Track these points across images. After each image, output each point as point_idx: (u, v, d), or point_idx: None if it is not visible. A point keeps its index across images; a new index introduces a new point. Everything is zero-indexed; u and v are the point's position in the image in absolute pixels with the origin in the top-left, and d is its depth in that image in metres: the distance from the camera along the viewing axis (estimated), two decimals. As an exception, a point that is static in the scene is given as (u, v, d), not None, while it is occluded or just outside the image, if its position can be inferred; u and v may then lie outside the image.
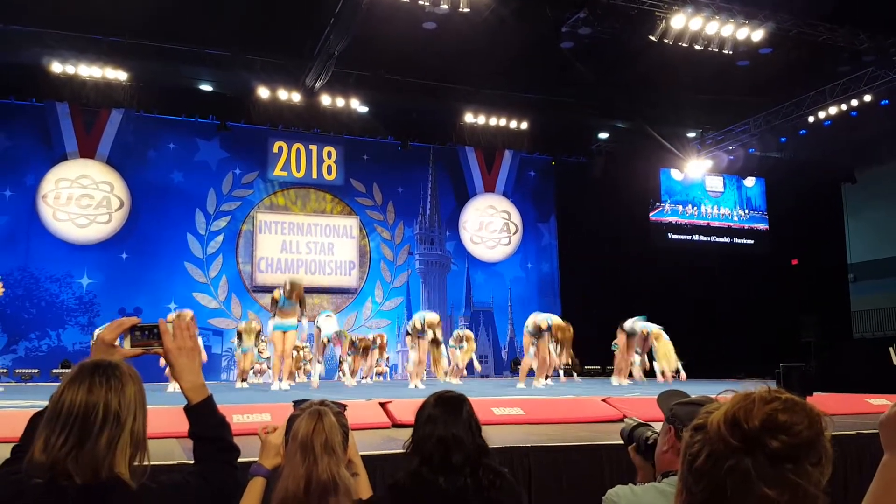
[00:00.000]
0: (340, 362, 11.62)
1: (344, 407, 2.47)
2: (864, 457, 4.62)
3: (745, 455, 1.08)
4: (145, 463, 1.73)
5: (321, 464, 2.22)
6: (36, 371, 13.35)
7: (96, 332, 10.54)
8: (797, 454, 1.08)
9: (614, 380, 11.44)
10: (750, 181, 19.56)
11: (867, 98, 14.35)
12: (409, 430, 2.62)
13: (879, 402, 6.89)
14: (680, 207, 18.82)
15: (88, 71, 13.65)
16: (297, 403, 2.49)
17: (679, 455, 2.13)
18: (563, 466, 4.28)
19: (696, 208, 19.02)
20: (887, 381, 9.09)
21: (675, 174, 18.70)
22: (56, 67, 13.47)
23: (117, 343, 1.96)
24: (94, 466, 1.63)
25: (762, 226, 19.53)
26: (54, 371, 13.05)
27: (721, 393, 1.35)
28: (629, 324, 11.69)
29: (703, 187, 19.11)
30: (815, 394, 6.76)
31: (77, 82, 13.81)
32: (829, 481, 1.13)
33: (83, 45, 13.15)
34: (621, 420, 6.06)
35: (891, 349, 13.98)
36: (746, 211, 19.53)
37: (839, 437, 1.21)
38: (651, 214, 18.42)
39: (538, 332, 10.41)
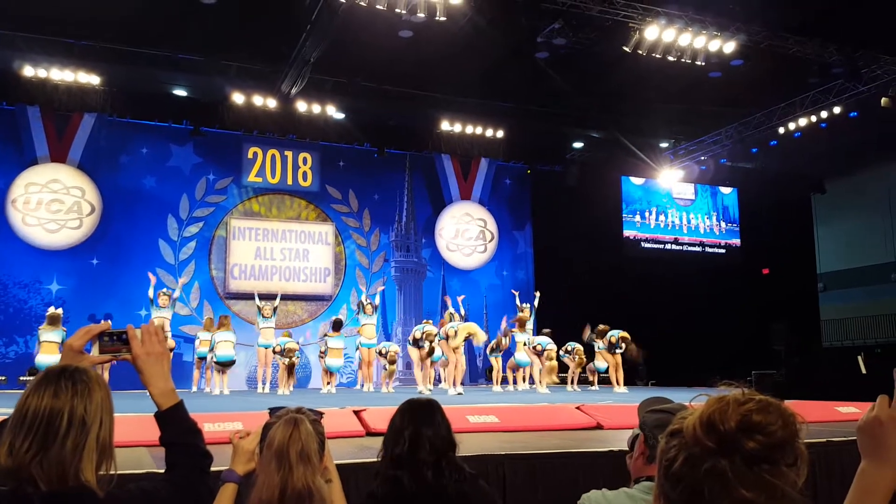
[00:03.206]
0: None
1: (320, 414, 2.45)
2: (834, 464, 4.67)
3: (722, 457, 1.09)
4: (112, 472, 1.69)
5: (296, 472, 2.19)
6: (3, 378, 13.10)
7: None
8: (773, 455, 1.09)
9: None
10: (726, 189, 19.80)
11: (836, 110, 14.62)
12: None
13: (848, 409, 7.00)
14: (650, 219, 18.92)
15: (60, 75, 13.48)
16: (272, 411, 2.45)
17: (647, 460, 2.15)
18: (538, 474, 4.28)
19: (663, 218, 19.12)
20: (856, 389, 9.22)
21: (636, 180, 18.84)
22: (28, 71, 13.28)
23: (86, 350, 1.92)
24: (60, 473, 1.60)
25: (735, 241, 19.73)
26: (21, 378, 12.79)
27: (694, 398, 1.35)
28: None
29: (670, 195, 19.27)
30: (786, 401, 6.83)
31: (49, 86, 13.61)
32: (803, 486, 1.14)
33: (55, 49, 12.96)
34: (595, 427, 6.08)
35: (859, 357, 14.23)
36: (722, 223, 19.69)
37: (809, 445, 1.22)
38: (623, 222, 18.57)
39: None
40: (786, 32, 12.63)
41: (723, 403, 1.13)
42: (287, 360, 11.79)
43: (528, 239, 18.38)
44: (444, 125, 16.34)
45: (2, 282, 13.98)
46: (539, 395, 10.66)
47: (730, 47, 12.34)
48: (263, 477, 2.22)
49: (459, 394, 10.48)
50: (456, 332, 11.40)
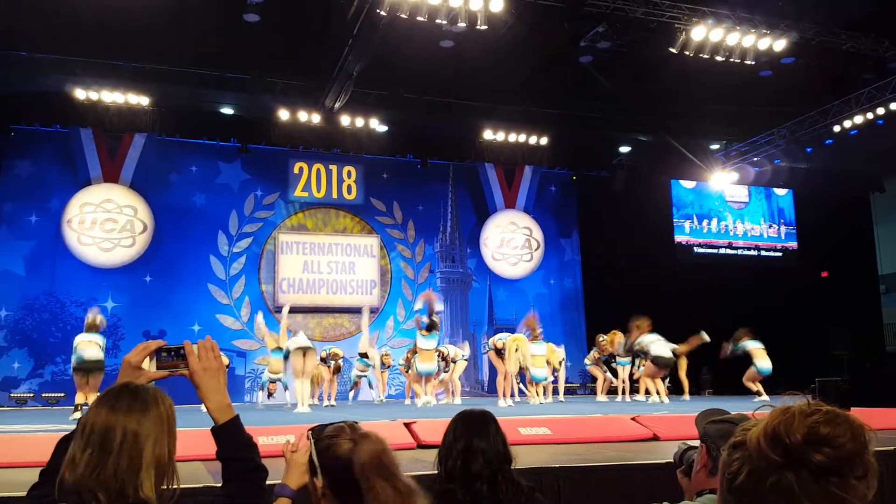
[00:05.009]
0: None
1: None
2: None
3: (788, 470, 1.04)
4: (175, 486, 1.74)
5: (400, 476, 2.03)
6: (62, 395, 13.43)
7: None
8: (841, 468, 1.03)
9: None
10: (781, 191, 19.31)
11: (893, 106, 14.15)
12: (435, 451, 2.59)
13: (917, 415, 6.70)
14: (703, 224, 18.55)
15: (111, 97, 13.87)
16: (316, 430, 2.27)
17: (710, 473, 2.06)
18: (594, 487, 4.18)
19: (716, 223, 18.72)
20: (924, 395, 8.86)
21: (686, 184, 18.48)
22: (79, 94, 13.69)
23: (144, 365, 1.96)
24: (118, 487, 1.64)
25: (791, 244, 19.20)
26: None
27: (758, 409, 1.30)
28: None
29: (722, 198, 18.85)
30: (851, 409, 6.59)
31: (100, 108, 14.04)
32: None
33: (105, 72, 13.34)
34: (651, 439, 5.95)
35: (925, 361, 13.68)
36: (777, 226, 19.19)
37: (877, 454, 1.15)
38: (674, 227, 18.23)
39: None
40: (838, 28, 12.28)
41: (788, 415, 1.07)
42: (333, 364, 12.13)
43: (576, 246, 18.17)
44: (487, 134, 16.30)
45: (59, 300, 14.38)
46: (592, 406, 10.51)
47: (780, 45, 12.03)
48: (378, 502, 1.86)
49: (509, 405, 10.38)
50: (505, 344, 11.28)
